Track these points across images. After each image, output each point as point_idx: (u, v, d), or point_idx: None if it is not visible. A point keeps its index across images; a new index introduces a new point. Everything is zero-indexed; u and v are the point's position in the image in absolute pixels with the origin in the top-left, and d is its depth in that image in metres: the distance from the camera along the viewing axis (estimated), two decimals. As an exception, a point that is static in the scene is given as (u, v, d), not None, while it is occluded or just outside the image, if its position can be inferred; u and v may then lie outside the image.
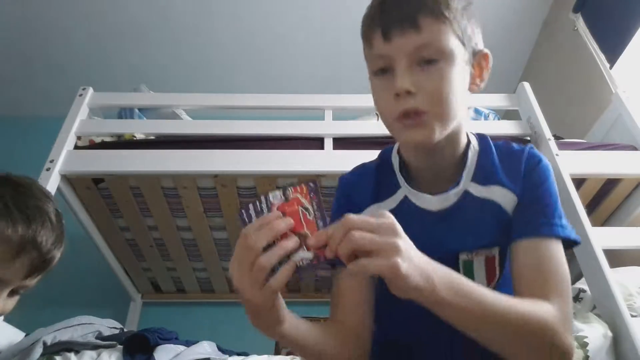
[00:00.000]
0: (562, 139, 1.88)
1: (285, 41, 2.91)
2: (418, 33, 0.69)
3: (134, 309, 2.42)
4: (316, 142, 1.72)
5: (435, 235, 0.76)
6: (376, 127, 1.69)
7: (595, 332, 1.23)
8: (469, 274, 0.78)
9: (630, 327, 1.22)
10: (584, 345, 1.18)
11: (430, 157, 0.79)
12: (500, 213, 0.77)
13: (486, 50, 0.79)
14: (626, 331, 1.22)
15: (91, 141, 1.80)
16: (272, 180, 1.69)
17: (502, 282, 0.79)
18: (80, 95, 1.83)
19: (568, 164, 1.60)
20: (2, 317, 1.27)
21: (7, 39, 2.81)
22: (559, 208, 0.76)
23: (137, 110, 2.03)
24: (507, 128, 1.82)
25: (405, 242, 0.56)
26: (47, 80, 3.01)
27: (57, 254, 0.86)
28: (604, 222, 1.89)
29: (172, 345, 1.26)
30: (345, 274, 0.81)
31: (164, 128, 1.83)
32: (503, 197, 0.78)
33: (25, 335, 1.27)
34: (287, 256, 0.58)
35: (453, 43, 0.71)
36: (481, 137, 0.85)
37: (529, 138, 1.77)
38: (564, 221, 0.75)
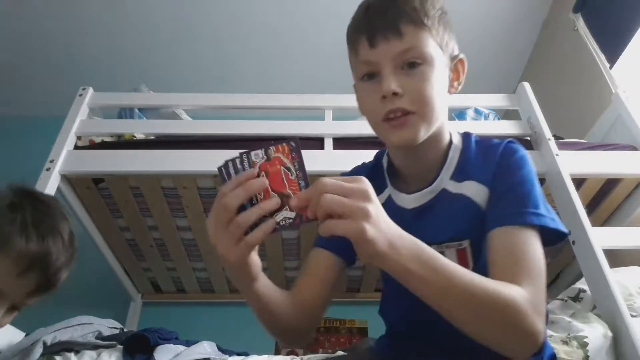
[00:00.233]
0: (562, 139, 1.88)
1: (285, 41, 2.90)
2: (401, 39, 0.74)
3: (134, 309, 2.42)
4: (316, 142, 1.72)
5: (411, 232, 0.78)
6: (376, 127, 1.69)
7: (595, 332, 1.23)
8: None
9: (630, 327, 1.22)
10: (584, 345, 1.18)
11: (414, 157, 0.83)
12: (471, 206, 0.80)
13: (462, 56, 0.85)
14: (626, 331, 1.22)
15: (91, 141, 1.80)
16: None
17: (478, 273, 0.80)
18: (80, 95, 1.83)
19: (568, 164, 1.60)
20: None
21: (7, 39, 2.81)
22: (535, 196, 0.76)
23: (137, 110, 2.03)
24: (507, 128, 1.82)
25: (375, 208, 0.57)
26: (47, 80, 3.01)
27: (63, 276, 0.86)
28: (604, 222, 1.89)
29: (172, 345, 1.26)
30: (320, 247, 0.87)
31: (164, 128, 1.84)
32: (474, 190, 0.81)
33: (25, 335, 1.27)
34: (271, 214, 0.59)
35: (433, 48, 0.77)
36: (465, 136, 0.88)
37: (529, 138, 1.78)
38: (542, 210, 0.74)
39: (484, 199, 0.79)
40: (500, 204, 0.76)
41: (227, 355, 1.30)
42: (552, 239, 0.75)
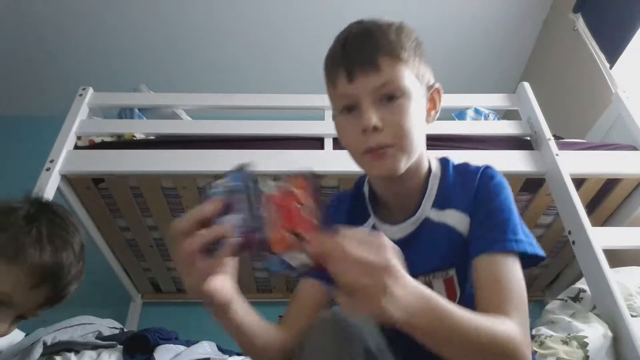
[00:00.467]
0: (562, 139, 1.88)
1: (285, 41, 2.90)
2: (379, 73, 0.75)
3: (134, 309, 2.41)
4: (316, 142, 1.72)
5: None
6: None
7: (595, 332, 1.23)
8: None
9: (630, 327, 1.22)
10: (584, 345, 1.19)
11: (396, 187, 0.84)
12: (453, 235, 0.81)
13: (438, 85, 0.85)
14: (626, 331, 1.22)
15: (91, 141, 1.80)
16: (272, 180, 1.69)
17: (464, 300, 0.82)
18: (80, 95, 1.83)
19: (568, 164, 1.60)
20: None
21: (7, 39, 2.81)
22: (514, 222, 0.78)
23: (137, 110, 2.03)
24: (507, 128, 1.82)
25: (393, 279, 0.55)
26: (47, 80, 3.01)
27: (72, 289, 0.87)
28: (604, 222, 1.89)
29: (172, 345, 1.26)
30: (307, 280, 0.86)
31: (164, 128, 1.83)
32: (456, 219, 0.82)
33: (25, 335, 1.27)
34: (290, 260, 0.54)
35: (410, 80, 0.77)
36: (443, 162, 0.89)
37: (529, 138, 1.77)
38: (520, 236, 0.76)
39: (466, 227, 0.81)
40: (480, 231, 0.78)
41: (227, 355, 1.30)
42: (531, 262, 0.78)
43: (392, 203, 0.87)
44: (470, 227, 0.80)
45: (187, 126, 1.91)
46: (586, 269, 1.42)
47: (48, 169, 1.56)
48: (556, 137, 1.76)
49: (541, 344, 1.22)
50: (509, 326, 0.66)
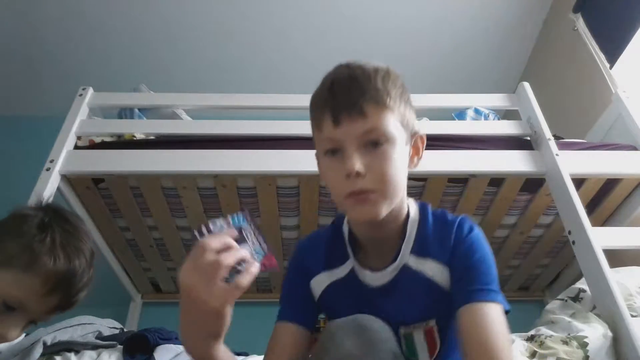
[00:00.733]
0: (562, 139, 1.88)
1: (285, 41, 2.90)
2: (364, 119, 0.75)
3: (134, 309, 2.41)
4: (316, 142, 1.72)
5: (377, 309, 0.83)
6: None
7: (595, 332, 1.23)
8: (411, 345, 0.85)
9: (630, 327, 1.22)
10: (584, 345, 1.19)
11: (375, 231, 0.85)
12: (433, 287, 0.83)
13: (422, 132, 0.86)
14: (626, 331, 1.23)
15: (91, 141, 1.80)
16: (272, 180, 1.69)
17: (446, 351, 0.84)
18: (80, 95, 1.83)
19: (568, 164, 1.60)
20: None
21: (7, 39, 2.81)
22: (494, 274, 0.80)
23: (137, 110, 2.03)
24: (507, 128, 1.82)
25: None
26: (47, 80, 3.01)
27: (82, 296, 0.88)
28: (604, 222, 1.89)
29: (172, 345, 1.26)
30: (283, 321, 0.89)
31: (164, 128, 1.83)
32: (435, 269, 0.83)
33: (25, 335, 1.27)
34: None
35: (394, 127, 0.78)
36: (421, 207, 0.90)
37: (529, 138, 1.78)
38: (496, 286, 0.79)
39: (445, 278, 0.82)
40: (463, 283, 0.80)
41: (227, 355, 1.30)
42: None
43: (371, 247, 0.88)
44: (451, 278, 0.82)
45: (187, 126, 1.91)
46: (586, 269, 1.42)
47: (48, 169, 1.56)
48: (556, 137, 1.76)
49: (541, 344, 1.22)
50: None
